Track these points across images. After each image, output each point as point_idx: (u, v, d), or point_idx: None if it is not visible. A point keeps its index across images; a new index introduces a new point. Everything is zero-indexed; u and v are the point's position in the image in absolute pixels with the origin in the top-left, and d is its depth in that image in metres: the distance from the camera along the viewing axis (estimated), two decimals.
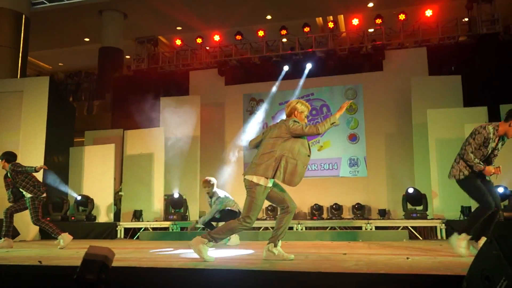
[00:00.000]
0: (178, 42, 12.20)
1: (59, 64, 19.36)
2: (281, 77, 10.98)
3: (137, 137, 10.00)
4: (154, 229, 8.69)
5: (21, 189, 5.97)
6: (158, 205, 9.44)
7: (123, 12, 14.62)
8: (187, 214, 9.35)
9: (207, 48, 12.02)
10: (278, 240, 3.83)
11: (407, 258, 3.87)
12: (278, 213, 4.03)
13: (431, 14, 10.28)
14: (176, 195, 9.21)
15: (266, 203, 9.81)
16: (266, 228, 8.21)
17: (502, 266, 2.12)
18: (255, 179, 3.74)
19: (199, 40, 11.97)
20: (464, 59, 9.94)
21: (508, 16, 12.46)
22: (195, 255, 3.80)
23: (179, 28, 13.94)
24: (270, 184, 3.79)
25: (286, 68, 10.93)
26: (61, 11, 14.49)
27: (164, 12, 12.42)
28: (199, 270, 3.16)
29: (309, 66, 10.66)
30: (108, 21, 14.92)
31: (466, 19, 10.47)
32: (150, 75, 12.14)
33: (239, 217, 3.79)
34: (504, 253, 2.15)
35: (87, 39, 16.71)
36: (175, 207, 9.17)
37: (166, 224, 8.68)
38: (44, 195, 6.06)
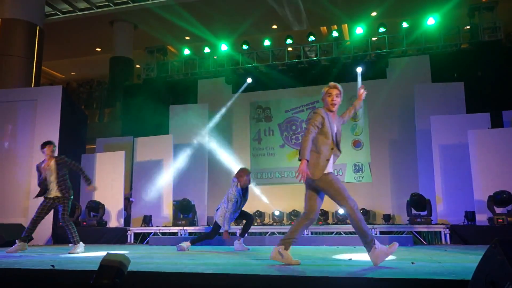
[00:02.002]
0: (187, 51, 12.48)
1: (72, 73, 19.78)
2: (286, 85, 11.19)
3: (146, 144, 10.23)
4: (163, 234, 8.88)
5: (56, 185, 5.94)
6: (167, 210, 9.64)
7: (133, 23, 14.98)
8: (195, 219, 9.54)
9: (215, 57, 12.28)
10: (290, 245, 3.77)
11: (412, 263, 3.83)
12: (299, 216, 3.90)
13: (433, 22, 10.43)
14: (184, 201, 9.42)
15: (272, 209, 10.03)
16: (273, 233, 8.38)
17: (506, 271, 2.08)
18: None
19: (207, 50, 12.25)
20: (467, 66, 10.05)
21: (509, 24, 12.56)
22: (204, 260, 3.86)
23: (187, 38, 14.25)
24: (330, 170, 3.68)
25: (290, 76, 11.13)
26: (74, 22, 14.90)
27: (172, 22, 12.73)
28: (207, 275, 3.19)
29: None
30: (119, 32, 15.29)
31: (468, 27, 10.60)
32: (159, 84, 12.43)
33: (345, 206, 3.57)
34: (509, 258, 2.12)
35: (98, 49, 17.11)
36: (184, 212, 9.37)
37: (175, 229, 8.87)
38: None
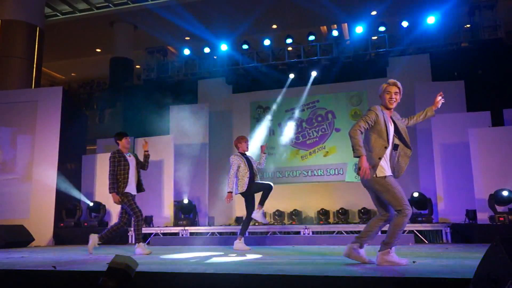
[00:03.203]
0: (187, 51, 12.49)
1: (72, 74, 19.80)
2: (287, 84, 11.19)
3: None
4: (164, 234, 8.88)
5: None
6: (168, 211, 9.65)
7: (133, 23, 15.00)
8: (196, 219, 9.56)
9: (215, 57, 12.29)
10: (364, 244, 3.72)
11: (414, 262, 3.81)
12: (374, 216, 3.84)
13: (433, 21, 10.43)
14: (185, 201, 9.42)
15: (274, 208, 10.04)
16: (274, 233, 8.38)
17: (508, 269, 2.10)
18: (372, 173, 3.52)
19: (207, 50, 12.26)
20: (467, 64, 10.05)
21: (510, 22, 12.54)
22: (205, 260, 3.85)
23: (187, 38, 14.25)
24: (386, 173, 3.54)
25: (291, 76, 11.15)
26: (74, 23, 14.92)
27: (172, 22, 12.74)
28: (208, 275, 3.20)
29: (314, 74, 10.87)
30: (119, 33, 15.31)
31: (468, 25, 10.59)
32: (160, 84, 12.44)
33: (399, 211, 3.49)
34: (511, 256, 2.13)
35: (98, 50, 17.13)
36: (185, 212, 9.38)
37: (176, 229, 8.88)
38: None
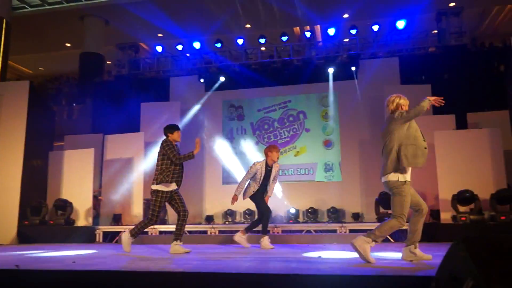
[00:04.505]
0: (159, 48, 12.38)
1: (40, 68, 19.27)
2: (259, 84, 11.23)
3: (117, 141, 10.10)
4: None
5: None
6: (137, 209, 9.54)
7: (105, 18, 14.72)
8: (166, 218, 9.49)
9: (188, 54, 12.22)
10: (416, 242, 4.02)
11: (378, 260, 4.00)
12: (413, 216, 4.13)
13: (403, 25, 10.70)
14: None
15: (244, 207, 10.06)
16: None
17: (468, 267, 2.18)
18: (393, 176, 3.96)
19: (179, 47, 12.18)
20: (434, 69, 10.35)
21: (474, 29, 13.03)
22: (172, 258, 3.85)
23: (160, 35, 14.10)
24: (408, 178, 4.00)
25: (263, 75, 11.16)
26: (43, 16, 14.52)
27: (145, 19, 12.58)
28: (177, 274, 3.22)
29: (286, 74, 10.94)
30: (90, 27, 14.98)
31: (436, 31, 10.91)
32: (131, 81, 12.27)
33: (396, 216, 3.91)
34: (471, 254, 2.21)
35: (68, 44, 16.72)
36: None
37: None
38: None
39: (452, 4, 11.23)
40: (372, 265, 3.70)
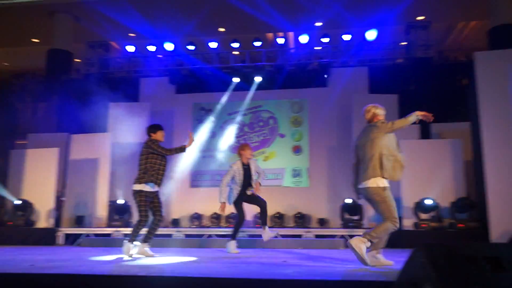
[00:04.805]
0: (131, 48, 12.20)
1: (4, 63, 18.61)
2: (231, 88, 11.23)
3: (83, 141, 9.88)
4: (96, 235, 8.60)
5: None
6: (101, 211, 9.35)
7: (75, 15, 14.37)
8: (131, 220, 9.33)
9: (159, 56, 12.09)
10: (380, 248, 4.15)
11: (343, 264, 4.17)
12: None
13: (373, 36, 10.95)
14: (120, 201, 9.17)
15: (211, 211, 10.00)
16: (210, 236, 8.36)
17: (427, 273, 2.26)
18: (373, 183, 4.03)
19: (151, 48, 12.03)
20: (401, 79, 10.62)
21: (441, 43, 13.49)
22: (133, 263, 3.80)
23: (131, 34, 13.87)
24: (387, 184, 4.09)
25: (236, 80, 11.21)
26: (9, 10, 14.03)
27: (117, 18, 12.35)
28: (138, 277, 3.18)
29: (258, 79, 11.01)
30: (59, 24, 14.57)
31: (404, 43, 11.23)
32: (100, 80, 12.01)
33: (388, 218, 3.99)
34: (430, 261, 2.30)
35: (36, 40, 16.22)
36: (120, 213, 9.13)
37: (109, 230, 8.62)
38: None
39: (420, 18, 11.56)
40: (335, 269, 3.77)
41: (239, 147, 6.26)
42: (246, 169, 6.08)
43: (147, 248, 5.25)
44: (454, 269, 2.31)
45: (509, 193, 6.95)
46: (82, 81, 12.21)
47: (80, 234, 8.55)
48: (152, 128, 5.49)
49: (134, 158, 10.22)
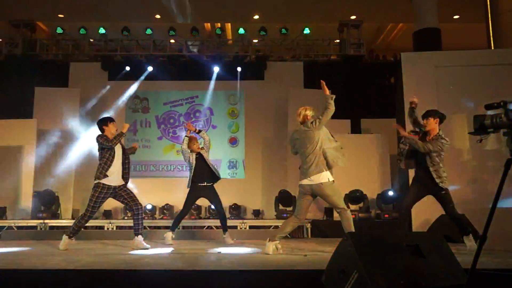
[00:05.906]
0: (59, 30, 11.53)
1: None
2: (166, 77, 11.00)
3: (5, 127, 9.24)
4: (19, 228, 8.12)
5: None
6: (26, 202, 8.83)
7: None
8: (58, 211, 8.93)
9: (91, 40, 11.55)
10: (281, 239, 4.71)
11: (305, 255, 4.38)
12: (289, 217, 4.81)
13: (308, 32, 11.27)
14: (47, 192, 8.72)
15: (146, 202, 9.80)
16: (144, 228, 8.20)
17: (354, 261, 2.44)
18: (325, 178, 4.42)
19: (82, 31, 11.45)
20: (334, 76, 11.00)
21: (371, 42, 14.18)
22: (55, 256, 3.69)
23: (61, 15, 13.07)
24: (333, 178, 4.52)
25: (150, 68, 10.89)
26: None
27: None
28: (52, 271, 3.22)
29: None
30: None
31: (338, 41, 11.66)
32: (25, 62, 11.23)
33: (342, 208, 4.60)
34: (357, 249, 2.47)
35: None
36: (46, 204, 8.69)
37: (34, 222, 8.18)
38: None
39: (353, 17, 12.04)
40: (267, 259, 3.89)
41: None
42: (199, 157, 6.41)
43: (141, 240, 5.26)
44: (380, 257, 2.50)
45: None
46: (5, 63, 11.34)
47: (2, 227, 8.02)
48: (103, 122, 5.38)
49: (62, 146, 9.81)
